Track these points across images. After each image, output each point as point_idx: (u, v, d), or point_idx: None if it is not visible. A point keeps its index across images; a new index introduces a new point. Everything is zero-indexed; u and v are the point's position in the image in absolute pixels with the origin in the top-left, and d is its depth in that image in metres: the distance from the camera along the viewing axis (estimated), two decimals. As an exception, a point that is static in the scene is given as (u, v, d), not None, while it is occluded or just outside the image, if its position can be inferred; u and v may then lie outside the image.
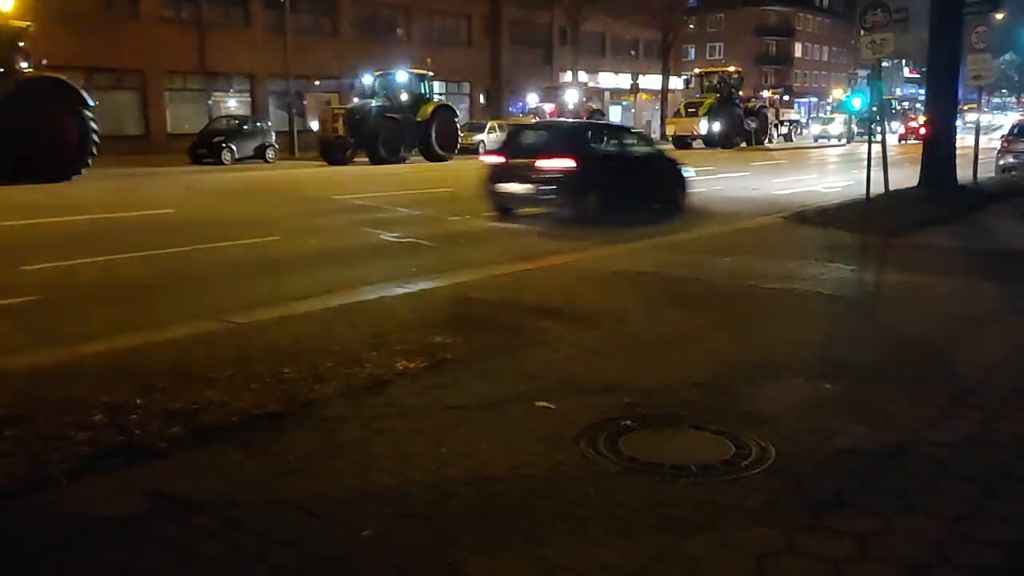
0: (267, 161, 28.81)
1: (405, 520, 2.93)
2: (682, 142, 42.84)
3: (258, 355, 4.89)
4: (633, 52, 61.55)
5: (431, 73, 31.81)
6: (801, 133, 59.18)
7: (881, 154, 12.04)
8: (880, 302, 6.68)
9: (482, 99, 47.66)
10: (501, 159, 13.10)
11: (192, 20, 35.11)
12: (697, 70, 50.89)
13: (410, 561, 2.65)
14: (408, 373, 4.57)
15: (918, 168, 15.91)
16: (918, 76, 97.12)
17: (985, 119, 41.76)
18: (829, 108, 76.72)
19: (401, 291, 6.88)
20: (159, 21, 34.09)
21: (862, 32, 12.26)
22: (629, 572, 2.58)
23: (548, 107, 35.45)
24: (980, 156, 18.32)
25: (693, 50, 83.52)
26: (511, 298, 6.56)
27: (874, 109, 14.06)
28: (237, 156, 28.02)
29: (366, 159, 28.30)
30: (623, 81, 58.41)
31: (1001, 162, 20.98)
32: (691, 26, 74.55)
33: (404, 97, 29.89)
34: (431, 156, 29.90)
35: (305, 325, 5.72)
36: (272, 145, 29.66)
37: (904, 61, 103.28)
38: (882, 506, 3.01)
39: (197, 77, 35.98)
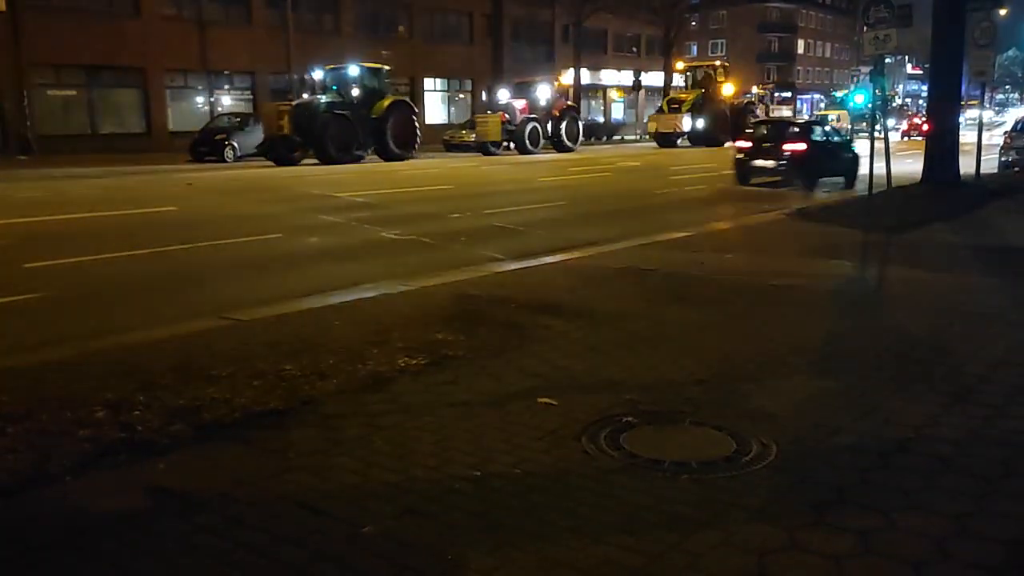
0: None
1: (407, 517, 2.93)
2: (666, 140, 41.58)
3: (260, 352, 4.89)
4: (635, 49, 61.51)
5: (388, 67, 30.34)
6: None
7: (884, 150, 12.02)
8: (882, 298, 6.67)
9: (484, 96, 47.62)
10: (749, 144, 19.11)
11: (194, 18, 35.12)
12: (680, 64, 48.99)
13: (412, 558, 2.65)
14: (410, 370, 4.57)
15: (920, 164, 15.92)
16: (921, 72, 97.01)
17: (988, 116, 41.72)
18: (823, 104, 75.98)
19: (402, 288, 6.88)
20: (161, 19, 34.10)
21: (865, 28, 12.23)
22: (631, 569, 2.58)
23: (519, 103, 33.69)
24: (983, 152, 18.30)
25: (695, 47, 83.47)
26: (513, 295, 6.56)
27: (870, 106, 14.07)
28: (239, 154, 28.03)
29: (318, 159, 26.71)
30: (625, 78, 58.36)
31: (1004, 158, 20.95)
32: (693, 23, 74.52)
33: (356, 92, 28.13)
34: (387, 155, 28.25)
35: (307, 322, 5.72)
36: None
37: (907, 57, 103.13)
38: (884, 502, 3.01)
39: (198, 75, 36.02)
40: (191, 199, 15.89)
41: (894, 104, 62.30)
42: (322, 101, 27.21)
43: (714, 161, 25.69)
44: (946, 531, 2.82)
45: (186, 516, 2.95)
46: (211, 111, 34.88)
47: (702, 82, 43.59)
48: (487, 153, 33.01)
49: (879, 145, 12.08)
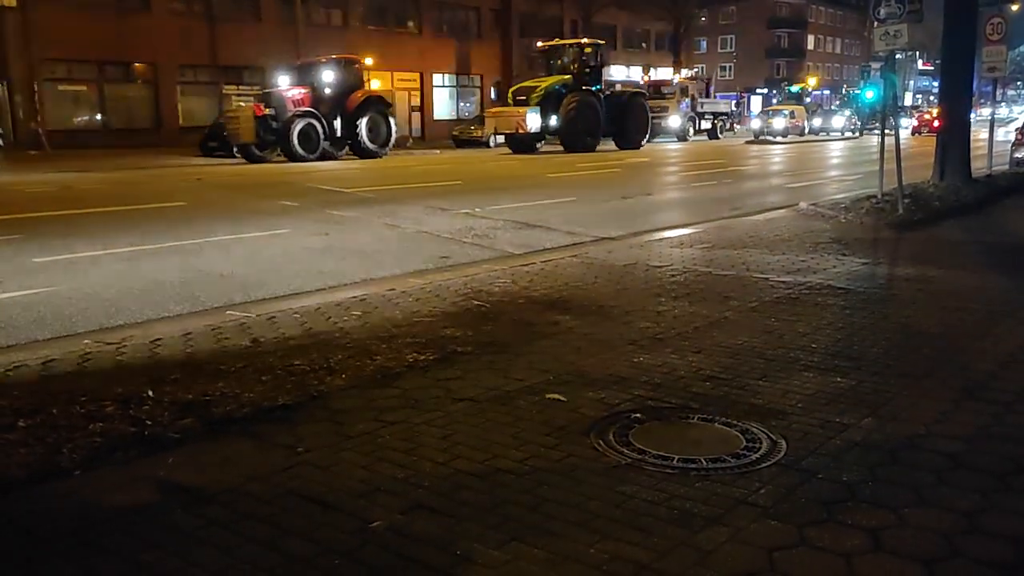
0: (278, 154, 28.86)
1: (415, 512, 2.93)
2: (519, 144, 31.12)
3: (269, 347, 4.91)
4: (644, 44, 61.36)
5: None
6: (733, 128, 50.85)
7: (894, 147, 11.95)
8: (893, 295, 6.64)
9: (492, 92, 47.56)
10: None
11: (203, 13, 35.21)
12: (540, 43, 36.71)
13: (420, 552, 2.66)
14: (418, 365, 4.58)
15: (931, 161, 15.82)
16: (932, 68, 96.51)
17: (1001, 112, 40.98)
18: (776, 99, 61.90)
19: (411, 282, 6.89)
20: (171, 14, 34.22)
21: (875, 24, 12.16)
22: (639, 564, 2.58)
23: (296, 92, 26.82)
24: (995, 149, 18.18)
25: (705, 42, 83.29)
26: (520, 291, 6.56)
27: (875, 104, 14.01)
28: (248, 149, 28.10)
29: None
30: (635, 74, 58.25)
31: (1016, 155, 20.80)
32: (703, 19, 74.24)
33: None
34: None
35: (315, 317, 5.74)
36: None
37: (918, 53, 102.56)
38: (894, 500, 3.00)
39: (208, 70, 36.13)
40: (200, 194, 15.94)
41: (903, 103, 58.88)
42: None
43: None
44: (957, 528, 2.80)
45: (195, 510, 2.96)
46: (220, 106, 34.96)
47: (568, 66, 32.97)
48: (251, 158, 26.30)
49: (889, 141, 12.01)
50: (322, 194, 15.69)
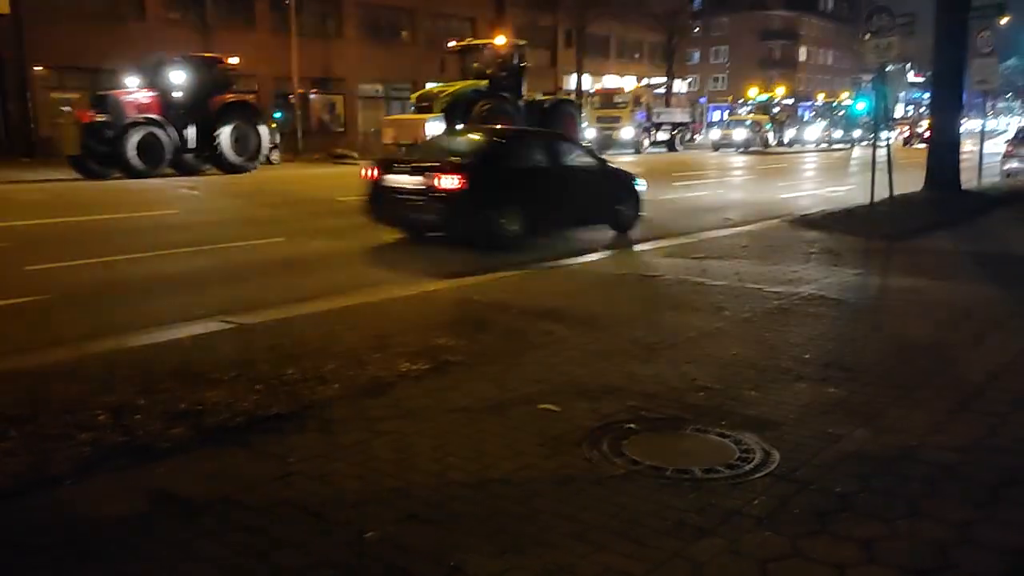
0: (271, 163, 28.83)
1: (408, 522, 2.92)
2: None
3: (261, 356, 4.89)
4: (638, 55, 61.60)
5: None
6: (693, 139, 47.44)
7: (886, 158, 12.03)
8: (885, 306, 6.66)
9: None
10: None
11: (197, 21, 35.20)
12: (452, 43, 32.02)
13: (413, 563, 2.64)
14: (411, 375, 4.57)
15: (922, 172, 15.92)
16: (923, 80, 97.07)
17: (989, 124, 40.82)
18: (743, 107, 58.80)
19: (404, 293, 6.88)
20: (165, 22, 34.17)
21: (867, 36, 12.24)
22: (633, 576, 2.57)
23: (141, 95, 22.28)
24: (985, 161, 18.30)
25: (698, 53, 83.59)
26: (513, 300, 6.56)
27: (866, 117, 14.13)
28: (241, 157, 27.94)
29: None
30: (628, 84, 58.41)
31: (1006, 167, 20.94)
32: (696, 30, 74.52)
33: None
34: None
35: (308, 326, 5.72)
36: (276, 146, 29.63)
37: (909, 65, 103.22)
38: (887, 510, 3.00)
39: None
40: (193, 202, 15.91)
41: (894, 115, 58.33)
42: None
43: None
44: (949, 539, 2.80)
45: (187, 520, 2.94)
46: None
47: (483, 71, 29.36)
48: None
49: (881, 152, 12.08)
50: (317, 203, 15.59)
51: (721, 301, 6.59)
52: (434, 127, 25.62)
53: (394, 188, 9.95)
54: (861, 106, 41.99)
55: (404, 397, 4.23)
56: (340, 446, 3.60)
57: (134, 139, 21.17)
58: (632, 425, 3.85)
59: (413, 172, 9.81)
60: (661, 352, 5.11)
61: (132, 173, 21.16)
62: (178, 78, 23.19)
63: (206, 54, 25.55)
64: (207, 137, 23.10)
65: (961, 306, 6.48)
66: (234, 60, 24.93)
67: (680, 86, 59.60)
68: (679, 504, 3.06)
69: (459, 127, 24.87)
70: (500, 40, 30.30)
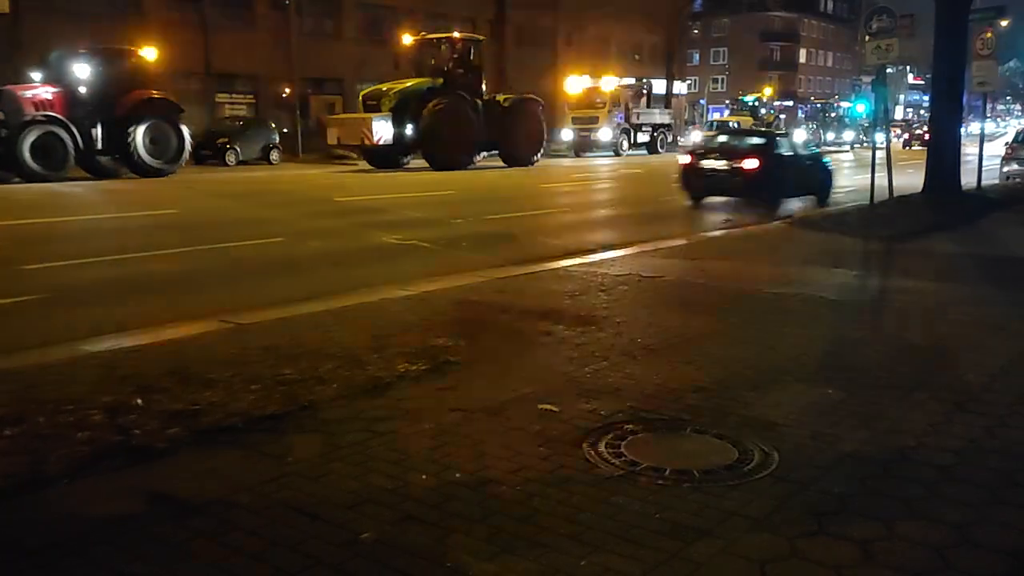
0: (271, 163, 28.85)
1: (406, 523, 2.91)
2: (380, 158, 25.96)
3: (258, 356, 4.87)
4: (637, 56, 61.62)
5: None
6: (675, 141, 45.77)
7: (885, 160, 12.03)
8: (884, 307, 6.65)
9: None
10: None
11: (197, 21, 35.19)
12: (407, 37, 29.52)
13: (410, 564, 2.63)
14: (409, 375, 4.55)
15: (921, 174, 15.93)
16: (923, 83, 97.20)
17: (989, 127, 40.57)
18: (728, 110, 56.49)
19: (402, 293, 6.87)
20: (164, 22, 34.17)
21: (867, 37, 12.24)
22: (630, 577, 2.56)
23: (41, 91, 20.39)
24: (984, 163, 18.31)
25: (697, 55, 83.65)
26: (513, 301, 6.54)
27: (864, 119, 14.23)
28: (241, 158, 28.06)
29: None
30: (607, 84, 58.35)
31: (1005, 169, 20.94)
32: (695, 31, 74.58)
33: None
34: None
35: (306, 326, 5.71)
36: (276, 147, 29.62)
37: (909, 67, 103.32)
38: (885, 512, 2.99)
39: (201, 78, 36.03)
40: (192, 202, 15.89)
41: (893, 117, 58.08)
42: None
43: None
44: (947, 540, 2.80)
45: (183, 521, 2.92)
46: (213, 114, 34.91)
47: (439, 66, 27.55)
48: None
49: (880, 155, 12.09)
50: (316, 203, 15.60)
51: (720, 302, 6.58)
52: (381, 127, 24.63)
53: (706, 169, 15.24)
54: (861, 108, 41.58)
55: (402, 397, 4.22)
56: (338, 446, 3.59)
57: (30, 139, 19.31)
58: (631, 426, 3.84)
59: (720, 158, 15.28)
60: (660, 353, 5.10)
61: (29, 176, 19.30)
62: (84, 72, 21.25)
63: (118, 46, 23.23)
64: (119, 137, 21.20)
65: (960, 307, 6.47)
66: (148, 52, 22.86)
67: (680, 87, 59.54)
68: (678, 505, 3.05)
69: (409, 127, 25.00)
70: (456, 34, 28.85)
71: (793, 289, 7.08)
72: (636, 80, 47.15)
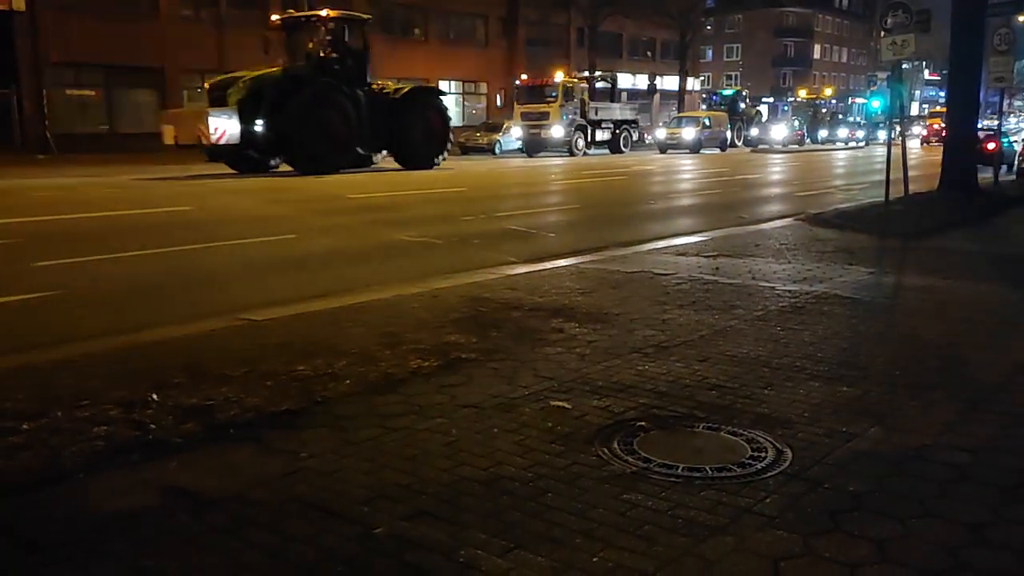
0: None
1: (418, 518, 2.92)
2: (237, 162, 22.76)
3: (273, 352, 4.90)
4: (650, 53, 61.46)
5: None
6: (642, 139, 44.40)
7: (901, 157, 11.95)
8: (899, 305, 6.62)
9: (498, 100, 47.66)
10: None
11: (211, 19, 35.34)
12: (275, 17, 26.07)
13: (424, 559, 2.64)
14: (422, 372, 4.57)
15: (938, 170, 15.81)
16: (939, 78, 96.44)
17: (1008, 123, 40.09)
18: (703, 104, 55.20)
19: (415, 290, 6.88)
20: (179, 20, 34.34)
21: (882, 33, 12.16)
22: (643, 574, 2.56)
23: None
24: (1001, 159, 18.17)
25: (711, 51, 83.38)
26: (524, 298, 6.55)
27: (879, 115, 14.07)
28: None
29: None
30: (640, 82, 58.27)
31: (1022, 165, 20.77)
32: (708, 27, 74.30)
33: None
34: None
35: (320, 323, 5.73)
36: None
37: (925, 63, 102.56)
38: (900, 510, 2.97)
39: (216, 75, 36.18)
40: (207, 199, 15.97)
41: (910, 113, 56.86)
42: None
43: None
44: (962, 540, 2.78)
45: (198, 515, 2.94)
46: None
47: (318, 52, 23.68)
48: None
49: (896, 151, 12.01)
50: (328, 200, 15.60)
51: (733, 299, 6.56)
52: (223, 122, 20.90)
53: None
54: (876, 104, 41.22)
55: (415, 394, 4.23)
56: (351, 442, 3.61)
57: None
58: (643, 423, 3.84)
59: None
60: (673, 350, 5.09)
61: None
62: None
63: None
64: None
65: (976, 306, 6.43)
66: None
67: (694, 84, 59.32)
68: (690, 502, 3.04)
69: (258, 123, 21.12)
70: (327, 12, 23.98)
71: (808, 286, 7.05)
72: (601, 72, 44.28)
